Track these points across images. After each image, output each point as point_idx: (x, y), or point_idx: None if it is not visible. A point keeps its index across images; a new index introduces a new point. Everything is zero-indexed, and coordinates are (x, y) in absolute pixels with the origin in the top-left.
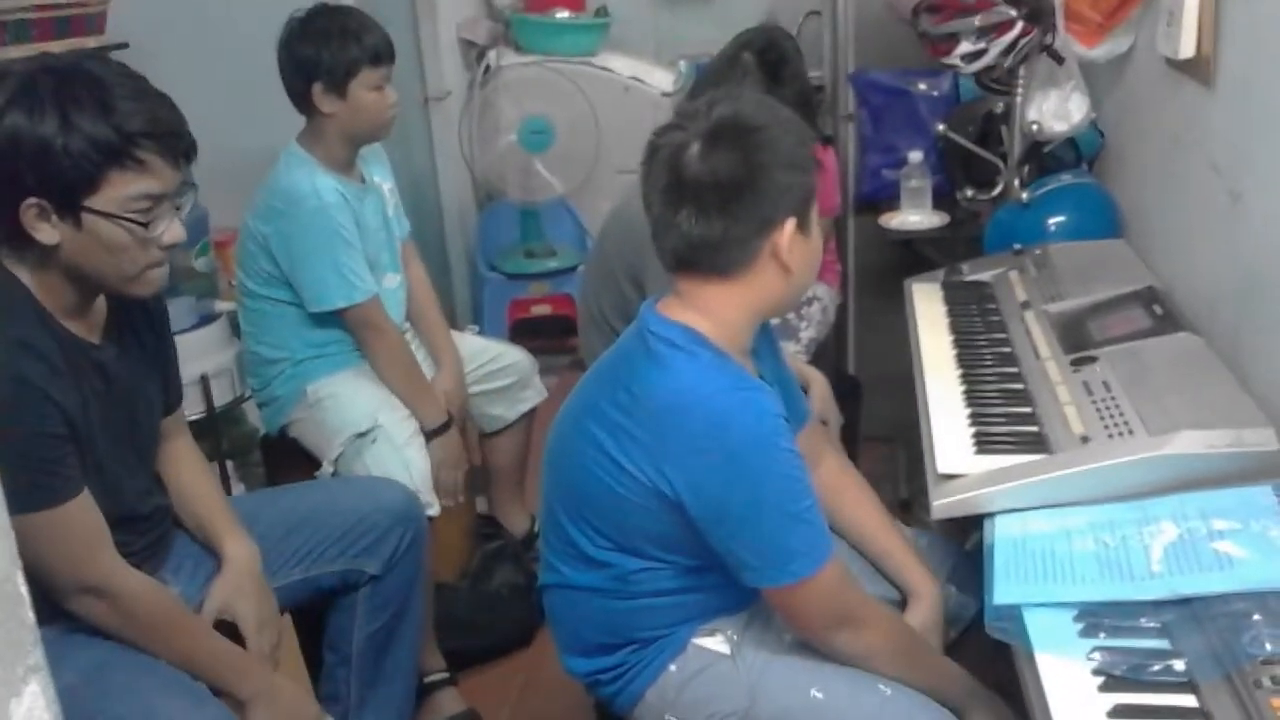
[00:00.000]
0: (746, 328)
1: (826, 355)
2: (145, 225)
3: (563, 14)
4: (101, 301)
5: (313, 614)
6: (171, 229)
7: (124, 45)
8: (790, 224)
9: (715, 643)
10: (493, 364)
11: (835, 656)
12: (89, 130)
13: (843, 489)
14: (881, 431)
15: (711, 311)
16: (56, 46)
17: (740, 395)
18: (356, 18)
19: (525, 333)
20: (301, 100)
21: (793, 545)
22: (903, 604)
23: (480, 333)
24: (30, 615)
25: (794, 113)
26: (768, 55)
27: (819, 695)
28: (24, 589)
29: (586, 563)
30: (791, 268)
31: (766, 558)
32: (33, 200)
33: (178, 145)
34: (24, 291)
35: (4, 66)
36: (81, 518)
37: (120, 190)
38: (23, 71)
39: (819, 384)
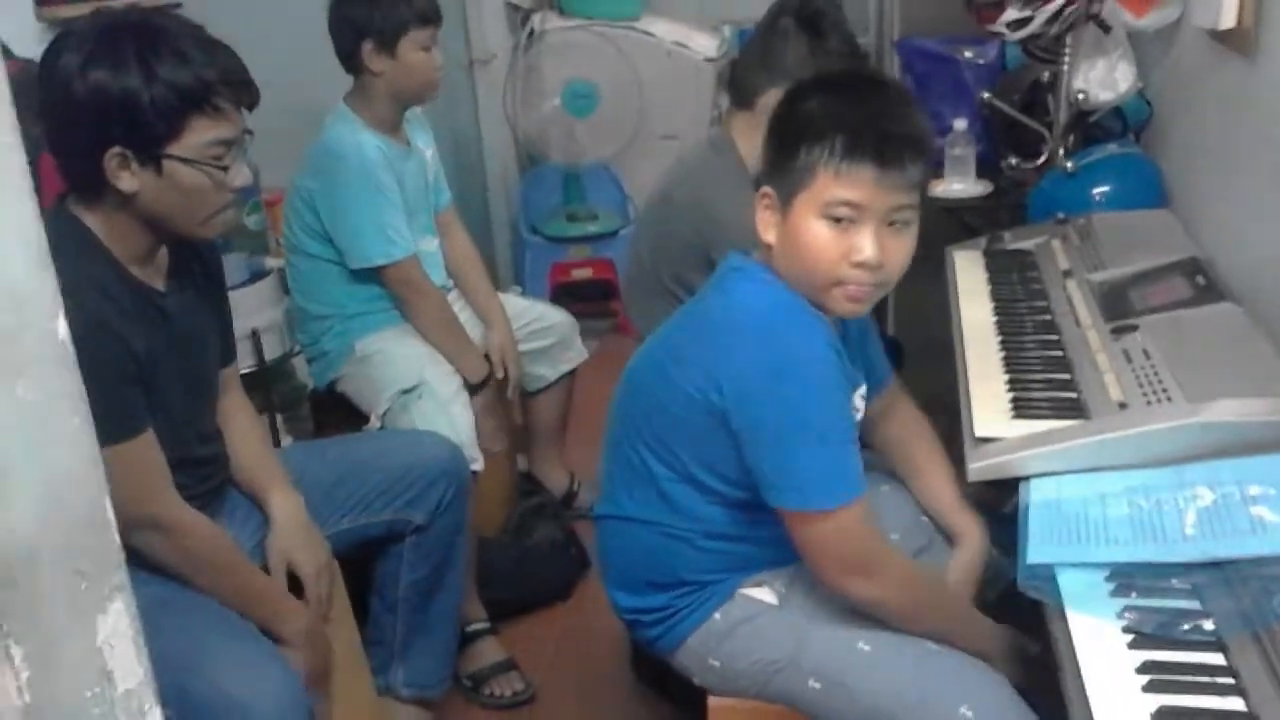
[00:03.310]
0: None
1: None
2: (224, 169)
3: None
4: (165, 251)
5: (360, 562)
6: (241, 172)
7: (178, 4)
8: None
9: (763, 593)
10: (535, 324)
11: (850, 601)
12: (171, 79)
13: (909, 437)
14: (920, 397)
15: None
16: (111, 5)
17: (794, 315)
18: None
19: (566, 296)
20: (350, 60)
21: (818, 470)
22: None
23: (523, 294)
24: (115, 539)
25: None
26: (804, 13)
27: (865, 648)
28: (111, 514)
29: (644, 495)
30: (771, 242)
31: (787, 477)
32: (116, 150)
33: (246, 92)
34: (94, 239)
35: (67, 25)
36: (146, 454)
37: (199, 137)
38: (97, 26)
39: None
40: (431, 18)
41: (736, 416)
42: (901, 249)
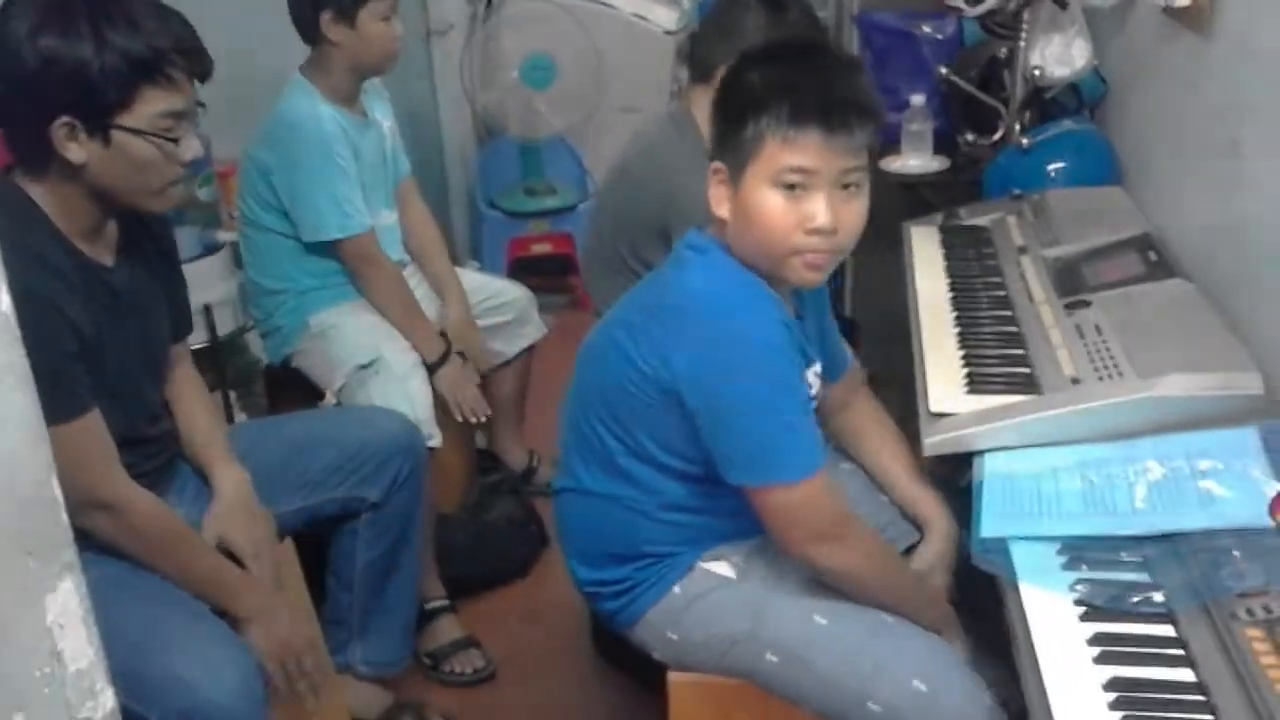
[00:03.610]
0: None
1: None
2: (175, 141)
3: None
4: (113, 225)
5: (316, 540)
6: (192, 145)
7: None
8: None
9: (721, 567)
10: (492, 300)
11: (815, 573)
12: (124, 47)
13: (867, 426)
14: (876, 372)
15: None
16: None
17: (745, 296)
18: None
19: (524, 271)
20: (309, 29)
21: (775, 446)
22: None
23: (480, 269)
24: (64, 517)
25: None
26: None
27: (821, 621)
28: (58, 492)
29: (602, 469)
30: (725, 217)
31: (748, 454)
32: (64, 119)
33: (200, 62)
34: (39, 212)
35: None
36: (91, 434)
37: (150, 107)
38: None
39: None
40: None
41: (690, 398)
42: (855, 213)
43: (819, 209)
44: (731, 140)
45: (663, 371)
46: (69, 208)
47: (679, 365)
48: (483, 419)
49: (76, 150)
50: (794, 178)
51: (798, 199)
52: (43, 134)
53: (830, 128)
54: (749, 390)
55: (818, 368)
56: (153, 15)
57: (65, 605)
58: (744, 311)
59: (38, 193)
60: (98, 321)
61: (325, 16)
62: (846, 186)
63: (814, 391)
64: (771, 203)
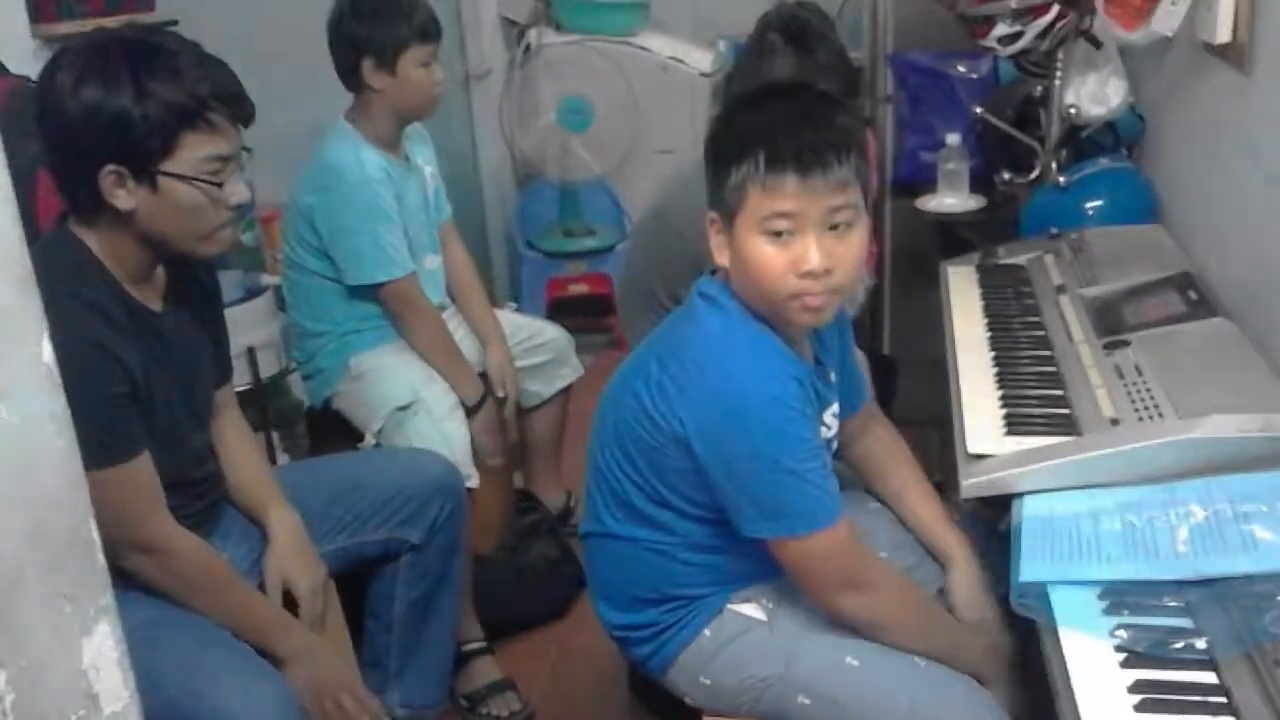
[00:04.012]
0: (755, 301)
1: (860, 336)
2: (220, 185)
3: None
4: (162, 271)
5: (356, 581)
6: (239, 189)
7: (174, 22)
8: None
9: (751, 609)
10: (530, 340)
11: (845, 622)
12: (164, 96)
13: (886, 459)
14: (915, 414)
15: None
16: (107, 23)
17: (755, 354)
18: None
19: (562, 311)
20: (351, 76)
21: (791, 501)
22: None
23: (519, 310)
24: (101, 559)
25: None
26: (790, 28)
27: (854, 663)
28: (96, 535)
29: (625, 513)
30: (725, 265)
31: (764, 510)
32: (111, 168)
33: (242, 107)
34: (93, 258)
35: (66, 43)
36: (140, 478)
37: (193, 152)
38: (91, 44)
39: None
40: (431, 34)
41: (703, 455)
42: (849, 250)
43: (809, 252)
44: (719, 190)
45: (676, 425)
46: (120, 254)
47: (689, 421)
48: (499, 459)
49: (125, 197)
50: (780, 224)
51: (787, 244)
52: (92, 182)
53: (804, 170)
54: (761, 452)
55: (835, 408)
56: (194, 63)
57: (101, 649)
58: (753, 369)
59: (91, 240)
60: (147, 366)
61: (367, 64)
62: (835, 227)
63: (832, 433)
64: (762, 250)
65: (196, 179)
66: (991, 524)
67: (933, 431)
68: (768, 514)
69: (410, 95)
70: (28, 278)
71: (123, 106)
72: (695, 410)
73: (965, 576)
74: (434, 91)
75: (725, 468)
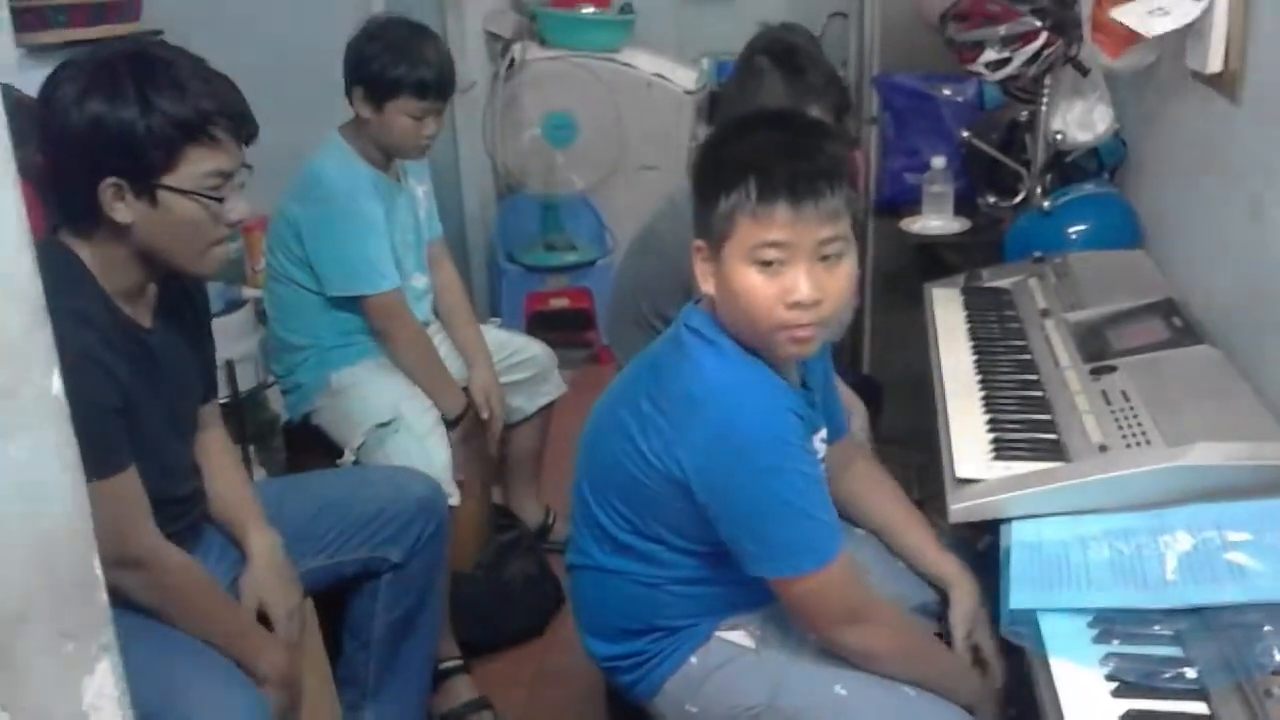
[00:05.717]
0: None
1: (842, 357)
2: (220, 200)
3: (588, 9)
4: (153, 288)
5: (335, 599)
6: (239, 206)
7: (158, 32)
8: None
9: (739, 637)
10: (513, 357)
11: (843, 655)
12: (168, 110)
13: (872, 490)
14: (895, 434)
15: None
16: (92, 33)
17: (749, 388)
18: (429, 45)
19: (542, 326)
20: (348, 93)
21: (796, 539)
22: (937, 606)
23: (501, 325)
24: (103, 596)
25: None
26: (777, 50)
27: (842, 692)
28: (99, 572)
29: (613, 546)
30: (711, 294)
31: (769, 548)
32: (111, 180)
33: (245, 124)
34: (85, 271)
35: (50, 52)
36: (128, 491)
37: (195, 167)
38: (95, 57)
39: (860, 415)
40: (430, 90)
41: (702, 494)
42: (838, 281)
43: (798, 283)
44: (707, 217)
45: (673, 467)
46: (114, 268)
47: (687, 463)
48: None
49: (124, 210)
50: (770, 254)
51: (776, 274)
52: (91, 195)
53: (797, 200)
54: (762, 491)
55: (824, 433)
56: (199, 78)
57: (101, 688)
58: (751, 409)
59: (84, 252)
60: (134, 381)
61: (358, 91)
62: (825, 258)
63: (820, 456)
64: (750, 280)
65: (197, 193)
66: (970, 544)
67: (914, 450)
68: (771, 553)
69: (392, 138)
70: (39, 311)
71: (127, 119)
72: (694, 452)
73: (970, 600)
74: (419, 143)
75: (728, 509)
